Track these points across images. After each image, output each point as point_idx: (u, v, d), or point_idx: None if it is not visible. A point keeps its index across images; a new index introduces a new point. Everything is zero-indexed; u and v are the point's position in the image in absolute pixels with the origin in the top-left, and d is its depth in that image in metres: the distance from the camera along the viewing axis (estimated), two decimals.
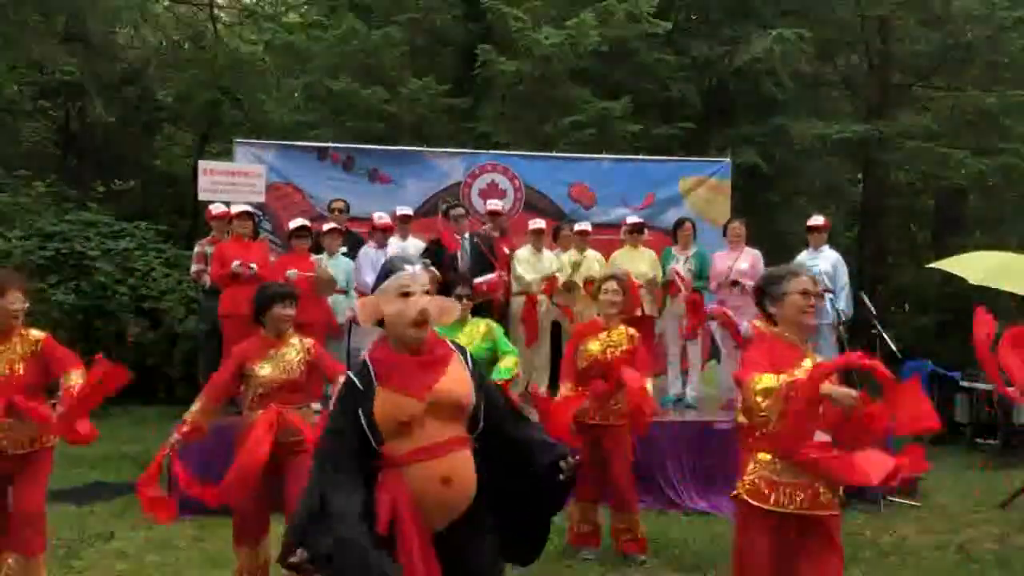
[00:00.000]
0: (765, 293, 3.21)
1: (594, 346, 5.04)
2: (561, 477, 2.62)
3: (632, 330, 5.16)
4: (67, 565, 4.82)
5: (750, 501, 3.02)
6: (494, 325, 5.43)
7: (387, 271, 2.69)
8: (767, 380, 2.86)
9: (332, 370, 4.20)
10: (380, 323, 2.72)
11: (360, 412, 2.56)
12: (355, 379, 2.64)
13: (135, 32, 14.39)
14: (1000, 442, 8.60)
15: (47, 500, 5.97)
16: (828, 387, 2.86)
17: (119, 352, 9.52)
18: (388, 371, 2.59)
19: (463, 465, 2.58)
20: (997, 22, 11.30)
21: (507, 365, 5.04)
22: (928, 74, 12.99)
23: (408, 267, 2.65)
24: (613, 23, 10.38)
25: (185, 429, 4.12)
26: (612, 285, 5.12)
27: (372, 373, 2.61)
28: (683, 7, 12.80)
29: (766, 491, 3.00)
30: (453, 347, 2.71)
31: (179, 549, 5.16)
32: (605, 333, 5.08)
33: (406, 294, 2.60)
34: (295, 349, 4.17)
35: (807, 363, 3.00)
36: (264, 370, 4.08)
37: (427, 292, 2.65)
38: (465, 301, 5.11)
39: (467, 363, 2.68)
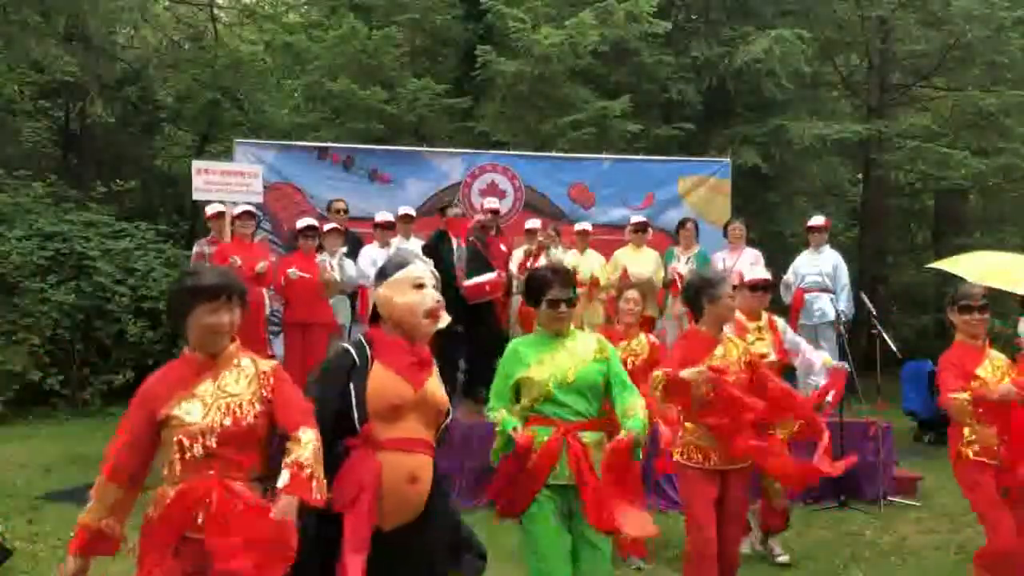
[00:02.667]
0: (702, 293, 3.75)
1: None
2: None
3: (652, 337, 5.09)
4: None
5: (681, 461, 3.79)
6: (607, 343, 3.67)
7: (398, 264, 2.71)
8: (655, 375, 3.61)
9: (292, 417, 2.43)
10: (374, 317, 2.73)
11: (351, 386, 2.53)
12: (352, 351, 2.61)
13: (135, 32, 14.40)
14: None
15: (47, 499, 6.01)
16: (685, 372, 3.47)
17: (119, 352, 9.54)
18: (387, 351, 2.58)
19: (428, 469, 2.58)
20: (997, 22, 11.30)
21: (638, 414, 3.18)
22: (928, 74, 12.99)
23: (419, 262, 2.71)
24: (613, 23, 10.37)
25: (77, 543, 2.46)
26: (633, 294, 5.08)
27: (369, 350, 2.60)
28: (683, 7, 12.80)
29: (695, 454, 3.74)
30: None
31: None
32: (625, 342, 4.99)
33: (420, 286, 2.63)
34: (244, 376, 2.49)
35: (719, 351, 3.70)
36: (191, 414, 2.40)
37: (435, 287, 2.69)
38: (564, 308, 3.32)
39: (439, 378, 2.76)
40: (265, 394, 2.46)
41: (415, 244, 7.33)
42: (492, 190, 8.81)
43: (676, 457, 3.81)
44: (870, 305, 6.86)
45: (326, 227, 7.18)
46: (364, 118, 10.54)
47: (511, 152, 9.52)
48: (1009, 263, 6.15)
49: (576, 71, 10.59)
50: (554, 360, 3.19)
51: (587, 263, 7.55)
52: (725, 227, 7.82)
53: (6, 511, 5.65)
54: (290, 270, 6.48)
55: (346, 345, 2.68)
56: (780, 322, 5.02)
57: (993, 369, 3.88)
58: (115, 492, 2.43)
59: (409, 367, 2.58)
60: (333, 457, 2.46)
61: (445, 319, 2.72)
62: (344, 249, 7.13)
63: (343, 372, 2.57)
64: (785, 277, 7.48)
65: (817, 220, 7.66)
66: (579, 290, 7.17)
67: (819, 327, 7.30)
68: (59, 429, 8.53)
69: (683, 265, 7.48)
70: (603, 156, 9.32)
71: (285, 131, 11.09)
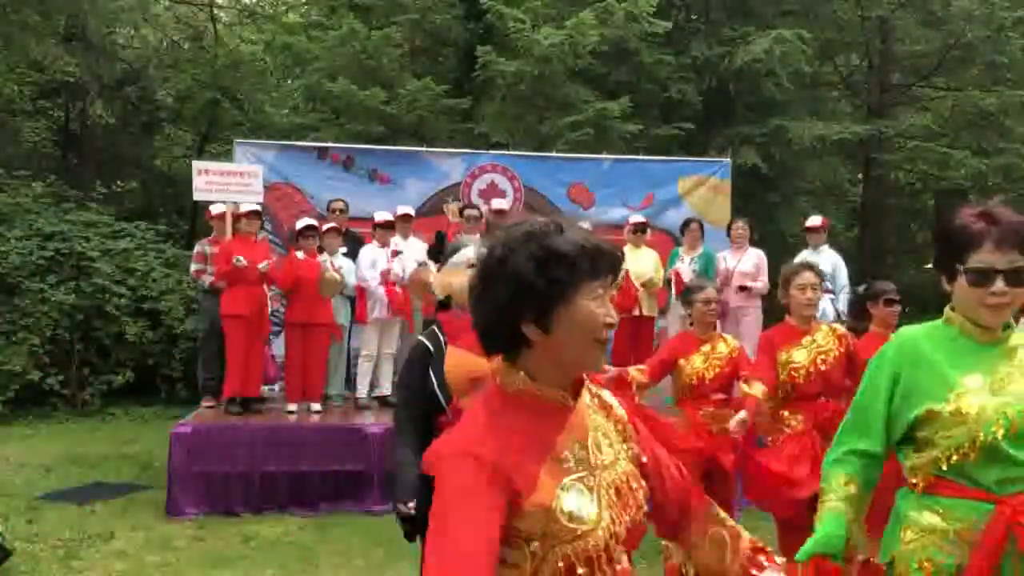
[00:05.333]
0: (684, 300, 4.49)
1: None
2: None
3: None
4: (67, 565, 4.81)
5: None
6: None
7: (453, 249, 2.96)
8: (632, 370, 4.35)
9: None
10: (442, 304, 2.94)
11: (431, 371, 2.76)
12: (425, 340, 2.84)
13: (135, 32, 14.39)
14: None
15: (46, 499, 6.01)
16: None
17: (119, 352, 9.53)
18: (458, 331, 2.75)
19: None
20: (997, 22, 11.30)
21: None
22: (928, 74, 13.00)
23: (473, 245, 2.92)
24: (612, 23, 10.37)
25: None
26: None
27: (442, 334, 2.82)
28: (683, 7, 12.80)
29: None
30: None
31: (179, 549, 5.15)
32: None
33: (473, 266, 2.79)
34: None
35: (705, 347, 4.34)
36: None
37: None
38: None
39: None
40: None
41: (414, 244, 7.34)
42: (492, 190, 8.80)
43: None
44: None
45: (325, 227, 7.18)
46: (364, 118, 10.53)
47: (511, 152, 9.51)
48: None
49: (576, 71, 10.58)
50: (998, 383, 1.92)
51: None
52: (728, 227, 7.81)
53: (5, 511, 5.65)
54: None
55: (420, 337, 2.93)
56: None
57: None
58: None
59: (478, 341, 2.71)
60: (429, 433, 2.66)
61: None
62: (344, 249, 7.13)
63: (420, 362, 2.82)
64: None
65: (814, 220, 7.65)
66: None
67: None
68: (59, 429, 8.53)
69: (687, 266, 7.47)
70: (603, 156, 9.32)
71: (285, 131, 11.08)
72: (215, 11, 15.50)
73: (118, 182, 12.09)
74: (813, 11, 12.25)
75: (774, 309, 7.74)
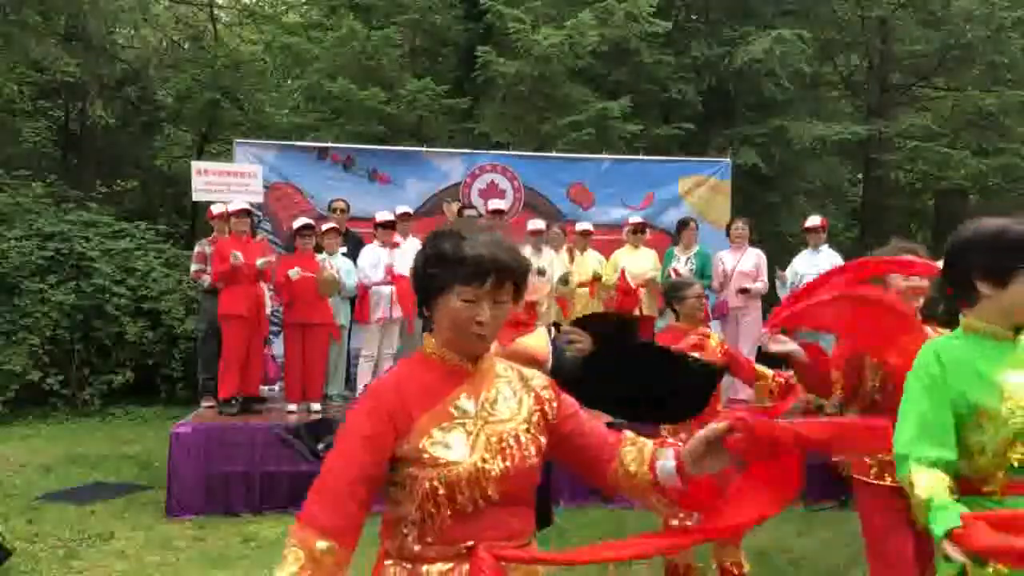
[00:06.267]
0: (672, 297, 4.42)
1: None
2: None
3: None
4: (67, 565, 4.81)
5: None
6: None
7: None
8: None
9: None
10: None
11: None
12: None
13: (135, 32, 14.39)
14: None
15: (46, 499, 6.01)
16: None
17: (118, 352, 9.53)
18: None
19: None
20: (997, 22, 11.31)
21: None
22: (928, 74, 13.00)
23: None
24: (612, 23, 10.37)
25: None
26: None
27: None
28: (683, 7, 12.80)
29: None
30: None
31: (179, 549, 5.15)
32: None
33: None
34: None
35: (691, 338, 4.18)
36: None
37: None
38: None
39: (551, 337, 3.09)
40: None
41: (413, 243, 7.34)
42: (492, 190, 8.81)
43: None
44: None
45: (325, 226, 7.17)
46: (364, 118, 10.54)
47: (511, 152, 9.52)
48: None
49: (576, 71, 10.59)
50: None
51: (587, 263, 7.56)
52: (728, 227, 7.81)
53: (6, 511, 5.66)
54: (291, 270, 6.47)
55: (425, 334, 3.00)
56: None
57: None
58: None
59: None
60: None
61: (537, 293, 3.20)
62: (344, 249, 7.13)
63: None
64: (782, 272, 7.42)
65: (813, 221, 7.64)
66: (581, 289, 7.29)
67: None
68: (59, 429, 8.53)
69: (683, 266, 7.47)
70: (603, 156, 9.32)
71: (285, 131, 11.08)
72: (215, 11, 15.51)
73: (118, 182, 12.08)
74: (813, 11, 12.25)
75: (767, 307, 7.78)
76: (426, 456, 1.65)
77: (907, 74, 13.44)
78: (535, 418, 1.78)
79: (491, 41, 10.68)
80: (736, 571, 4.43)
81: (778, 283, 7.35)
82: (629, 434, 1.85)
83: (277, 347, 7.49)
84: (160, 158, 14.73)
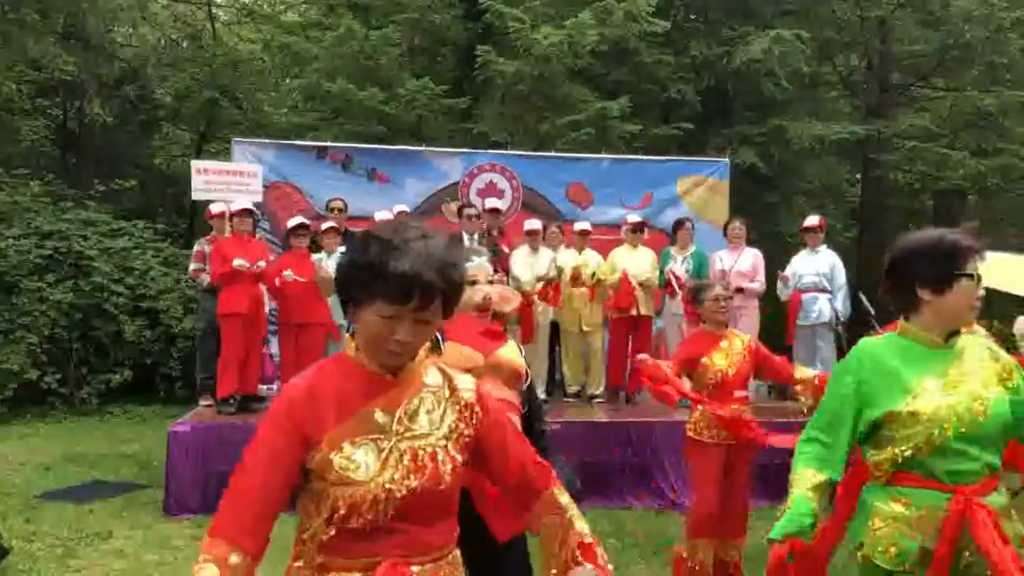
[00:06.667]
0: (693, 299, 4.54)
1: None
2: None
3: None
4: (65, 564, 4.81)
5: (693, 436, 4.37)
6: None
7: None
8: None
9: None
10: None
11: None
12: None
13: (133, 31, 14.37)
14: None
15: (44, 498, 6.00)
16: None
17: (117, 351, 9.52)
18: (456, 328, 2.74)
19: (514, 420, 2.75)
20: (996, 22, 11.30)
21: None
22: (927, 74, 12.99)
23: (475, 258, 2.90)
24: (611, 23, 10.36)
25: None
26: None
27: (440, 332, 2.79)
28: (682, 7, 12.80)
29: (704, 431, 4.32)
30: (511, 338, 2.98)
31: (177, 548, 5.15)
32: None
33: (473, 282, 2.81)
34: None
35: (723, 344, 4.32)
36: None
37: (490, 282, 2.90)
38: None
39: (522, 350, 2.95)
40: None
41: None
42: (491, 190, 8.81)
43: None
44: (868, 305, 6.86)
45: (324, 226, 7.17)
46: (363, 118, 10.52)
47: (510, 152, 9.52)
48: (1008, 264, 6.14)
49: (575, 71, 10.58)
50: (951, 384, 2.16)
51: (586, 263, 7.54)
52: (725, 227, 7.81)
53: (4, 510, 5.65)
54: (285, 272, 6.46)
55: None
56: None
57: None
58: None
59: (477, 338, 2.77)
60: None
61: (510, 304, 2.97)
62: (342, 248, 7.12)
63: None
64: (783, 272, 7.42)
65: (812, 221, 7.64)
66: (581, 290, 7.28)
67: (817, 328, 7.28)
68: (57, 428, 8.53)
69: (679, 266, 7.47)
70: (602, 156, 9.32)
71: (284, 131, 11.07)
72: (213, 10, 15.48)
73: (116, 181, 12.04)
74: (812, 11, 12.24)
75: (767, 307, 7.79)
76: (332, 474, 1.58)
77: (906, 74, 13.44)
78: (455, 434, 1.69)
79: (490, 40, 10.67)
80: (734, 568, 4.47)
81: (780, 284, 7.35)
82: (557, 494, 1.82)
83: (274, 346, 7.48)
84: (159, 157, 14.71)
